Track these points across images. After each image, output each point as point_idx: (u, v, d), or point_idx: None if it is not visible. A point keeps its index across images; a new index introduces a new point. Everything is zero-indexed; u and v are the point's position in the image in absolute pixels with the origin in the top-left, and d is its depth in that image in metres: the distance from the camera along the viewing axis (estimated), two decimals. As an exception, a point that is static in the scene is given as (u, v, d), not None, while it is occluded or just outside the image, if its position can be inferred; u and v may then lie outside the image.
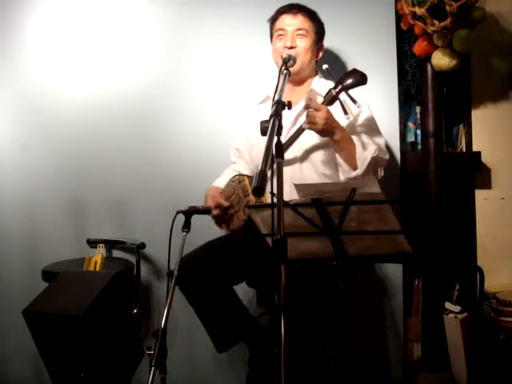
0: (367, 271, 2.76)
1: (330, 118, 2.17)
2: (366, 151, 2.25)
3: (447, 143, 2.87)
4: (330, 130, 2.19)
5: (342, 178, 2.29)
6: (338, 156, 2.27)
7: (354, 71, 2.29)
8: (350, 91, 2.25)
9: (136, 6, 2.88)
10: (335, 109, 2.22)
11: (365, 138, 2.32)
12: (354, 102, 2.23)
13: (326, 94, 2.27)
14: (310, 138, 2.29)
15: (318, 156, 2.34)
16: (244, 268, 2.39)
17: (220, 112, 2.82)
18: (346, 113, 2.22)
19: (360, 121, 2.35)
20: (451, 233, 2.78)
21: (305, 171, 2.35)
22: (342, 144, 2.23)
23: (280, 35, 2.41)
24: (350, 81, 2.26)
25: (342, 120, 2.26)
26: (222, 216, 2.42)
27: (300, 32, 2.39)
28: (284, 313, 1.56)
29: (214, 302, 2.32)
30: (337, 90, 2.25)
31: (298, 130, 2.29)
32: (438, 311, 2.69)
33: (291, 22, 2.40)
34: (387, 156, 2.37)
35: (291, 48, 2.35)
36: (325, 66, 2.32)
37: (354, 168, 2.24)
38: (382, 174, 2.33)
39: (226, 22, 2.80)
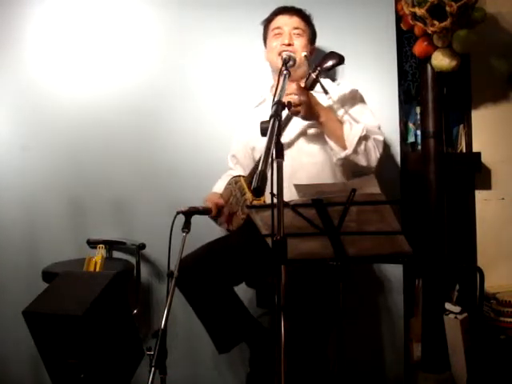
0: (367, 272, 2.76)
1: (311, 101, 2.17)
2: (353, 130, 2.24)
3: (447, 144, 2.87)
4: (312, 113, 2.19)
5: (334, 160, 2.29)
6: (327, 139, 2.27)
7: (331, 53, 2.33)
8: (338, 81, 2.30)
9: (135, 7, 2.89)
10: (319, 94, 2.25)
11: (352, 118, 2.32)
12: (333, 80, 2.31)
13: (307, 79, 2.29)
14: (298, 123, 2.30)
15: (309, 140, 2.35)
16: (244, 268, 2.39)
17: (220, 113, 2.82)
18: (326, 93, 2.25)
19: (346, 98, 2.36)
20: (451, 233, 2.78)
21: (298, 158, 2.34)
22: (329, 125, 2.24)
23: (277, 34, 2.42)
24: (328, 63, 2.30)
25: (325, 101, 2.28)
26: (221, 215, 2.43)
27: (297, 31, 2.41)
28: (284, 313, 1.56)
29: (215, 303, 2.32)
30: (316, 72, 2.28)
31: (285, 118, 2.28)
32: (438, 311, 2.69)
33: (288, 22, 2.42)
34: (381, 137, 2.32)
35: (289, 45, 2.36)
36: (303, 53, 2.35)
37: (344, 148, 2.24)
38: (378, 154, 2.28)
39: (226, 23, 2.80)
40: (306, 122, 2.28)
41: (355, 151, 2.22)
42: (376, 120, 2.39)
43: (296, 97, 2.14)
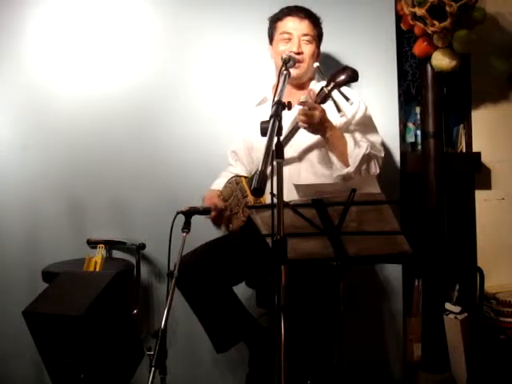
0: (367, 271, 2.76)
1: (323, 116, 2.17)
2: (357, 148, 2.24)
3: (447, 144, 2.87)
4: (321, 129, 2.19)
5: (334, 175, 2.29)
6: (330, 154, 2.27)
7: (346, 68, 2.28)
8: (344, 88, 2.24)
9: (135, 7, 2.88)
10: (327, 107, 2.23)
11: (358, 135, 2.31)
12: (347, 99, 2.21)
13: (319, 93, 2.26)
14: (306, 137, 2.29)
15: (315, 155, 2.35)
16: (243, 268, 2.39)
17: (221, 112, 2.82)
18: (339, 110, 2.21)
19: (357, 117, 2.34)
20: (451, 233, 2.78)
21: (302, 171, 2.35)
22: (334, 142, 2.23)
23: (285, 39, 2.38)
24: (341, 78, 2.24)
25: (336, 118, 2.26)
26: (220, 218, 2.43)
27: (306, 38, 2.37)
28: (284, 313, 1.56)
29: (214, 303, 2.32)
30: (329, 87, 2.24)
31: (292, 129, 2.29)
32: (438, 311, 2.69)
33: (298, 27, 2.37)
34: (382, 154, 2.35)
35: (298, 54, 2.34)
36: (316, 64, 2.32)
37: (346, 165, 2.23)
38: (378, 170, 2.29)
39: (227, 21, 2.80)
40: (309, 137, 2.27)
41: (357, 170, 2.23)
42: (379, 136, 2.39)
43: (312, 112, 2.13)
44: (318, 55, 2.46)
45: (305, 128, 2.18)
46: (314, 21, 2.41)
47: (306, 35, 2.38)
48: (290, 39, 2.38)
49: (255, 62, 2.72)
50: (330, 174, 2.33)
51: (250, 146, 2.51)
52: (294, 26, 2.38)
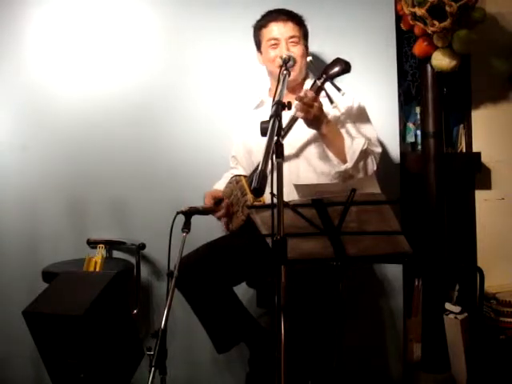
0: (367, 271, 2.76)
1: (321, 111, 2.16)
2: (355, 144, 2.24)
3: (447, 144, 2.87)
4: (317, 124, 2.18)
5: (332, 172, 2.28)
6: (327, 150, 2.26)
7: (338, 60, 2.29)
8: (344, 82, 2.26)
9: (136, 6, 2.88)
10: (322, 101, 2.22)
11: (354, 130, 2.31)
12: (339, 90, 2.22)
13: (312, 86, 2.26)
14: (304, 133, 2.29)
15: (313, 152, 2.34)
16: (244, 268, 2.39)
17: (220, 112, 2.82)
18: (331, 102, 2.21)
19: (353, 109, 2.34)
20: (451, 233, 2.78)
21: (301, 169, 2.35)
22: (330, 137, 2.22)
23: (273, 45, 2.39)
24: (334, 70, 2.26)
25: (329, 109, 2.26)
26: (220, 208, 2.43)
27: (293, 40, 2.37)
28: (284, 313, 1.56)
29: (214, 303, 2.32)
30: (321, 80, 2.25)
31: (289, 121, 2.28)
32: (438, 311, 2.69)
33: (283, 31, 2.38)
34: (379, 149, 2.34)
35: None
36: (309, 59, 2.33)
37: (344, 161, 2.23)
38: (375, 167, 2.29)
39: (226, 22, 2.80)
40: (307, 133, 2.27)
41: (355, 166, 2.22)
42: (375, 131, 2.39)
43: (310, 94, 2.12)
44: (307, 53, 2.46)
45: (304, 119, 2.16)
46: (298, 21, 2.41)
47: (292, 37, 2.38)
48: (277, 44, 2.38)
49: (255, 63, 2.72)
50: (329, 171, 2.33)
51: (249, 150, 2.51)
52: (279, 31, 2.38)
